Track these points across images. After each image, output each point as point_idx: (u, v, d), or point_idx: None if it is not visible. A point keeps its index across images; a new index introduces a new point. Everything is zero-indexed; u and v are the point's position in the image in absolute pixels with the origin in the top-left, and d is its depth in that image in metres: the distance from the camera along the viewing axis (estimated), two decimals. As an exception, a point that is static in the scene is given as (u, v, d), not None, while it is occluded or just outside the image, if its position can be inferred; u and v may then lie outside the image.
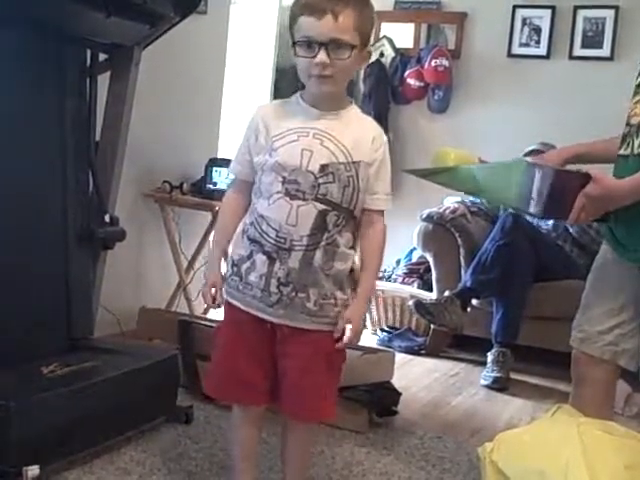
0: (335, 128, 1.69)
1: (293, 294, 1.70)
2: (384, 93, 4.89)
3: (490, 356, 3.63)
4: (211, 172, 3.52)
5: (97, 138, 2.67)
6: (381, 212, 1.77)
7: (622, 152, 1.90)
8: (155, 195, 3.44)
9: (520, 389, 3.53)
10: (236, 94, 4.58)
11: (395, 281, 4.39)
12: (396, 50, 4.91)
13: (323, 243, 1.69)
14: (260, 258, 1.71)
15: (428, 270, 4.12)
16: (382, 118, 4.88)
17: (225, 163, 3.62)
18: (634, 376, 2.98)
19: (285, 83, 5.11)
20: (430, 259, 3.99)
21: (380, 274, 4.50)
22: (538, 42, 4.65)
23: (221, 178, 3.54)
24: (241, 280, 1.75)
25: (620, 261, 1.90)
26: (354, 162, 1.69)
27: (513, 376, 3.62)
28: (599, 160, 2.08)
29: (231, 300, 1.78)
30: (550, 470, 1.52)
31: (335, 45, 1.62)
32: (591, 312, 1.96)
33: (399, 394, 2.86)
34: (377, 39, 4.92)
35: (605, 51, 4.52)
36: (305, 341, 1.74)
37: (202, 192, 3.52)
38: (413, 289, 4.22)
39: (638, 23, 4.47)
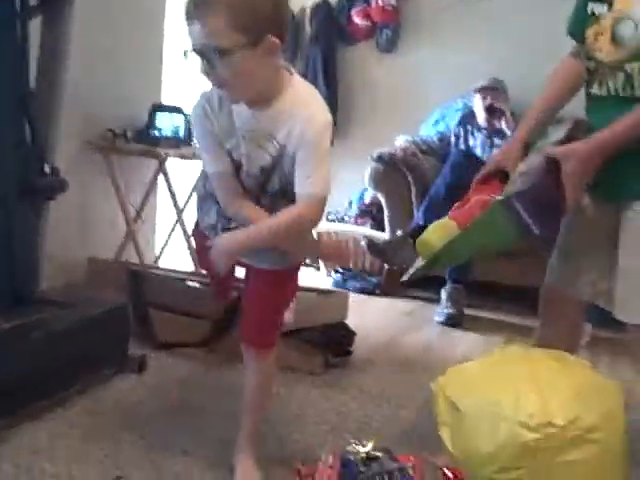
0: (268, 123, 1.60)
1: None
2: (331, 34, 4.81)
3: (444, 293, 3.66)
4: (155, 118, 3.44)
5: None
6: (308, 196, 1.62)
7: (596, 92, 1.82)
8: (98, 143, 3.36)
9: (474, 324, 3.58)
10: (180, 38, 4.46)
11: (348, 222, 4.38)
12: (342, -12, 4.82)
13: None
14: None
15: (380, 210, 4.12)
16: (330, 59, 4.81)
17: (169, 109, 3.55)
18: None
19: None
20: (382, 199, 3.98)
21: (332, 216, 4.49)
22: (485, -23, 4.59)
23: (165, 124, 3.47)
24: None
25: (596, 204, 1.87)
26: (282, 146, 1.62)
27: (467, 312, 3.67)
28: (556, 113, 2.02)
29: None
30: (502, 400, 1.54)
31: (212, 53, 1.48)
32: (569, 255, 1.94)
33: (354, 334, 2.88)
34: (323, -22, 4.82)
35: (553, -15, 4.48)
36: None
37: (146, 139, 3.44)
38: (366, 230, 4.22)
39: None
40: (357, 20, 4.75)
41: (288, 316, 2.69)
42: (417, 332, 3.41)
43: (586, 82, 1.86)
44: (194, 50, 1.49)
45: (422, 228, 3.64)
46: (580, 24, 1.86)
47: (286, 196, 1.66)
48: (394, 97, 4.83)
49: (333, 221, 4.44)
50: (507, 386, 1.56)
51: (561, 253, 1.97)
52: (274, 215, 1.65)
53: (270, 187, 1.67)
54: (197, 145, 1.75)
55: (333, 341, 2.77)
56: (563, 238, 1.96)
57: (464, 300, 3.65)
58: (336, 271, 4.18)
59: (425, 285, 3.99)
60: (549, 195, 1.74)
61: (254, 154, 1.63)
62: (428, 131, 4.43)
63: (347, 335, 2.85)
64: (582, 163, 1.72)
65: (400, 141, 4.15)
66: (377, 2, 4.63)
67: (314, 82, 4.79)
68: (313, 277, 4.17)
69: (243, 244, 1.69)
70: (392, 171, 3.92)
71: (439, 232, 1.87)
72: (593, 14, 1.81)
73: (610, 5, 1.77)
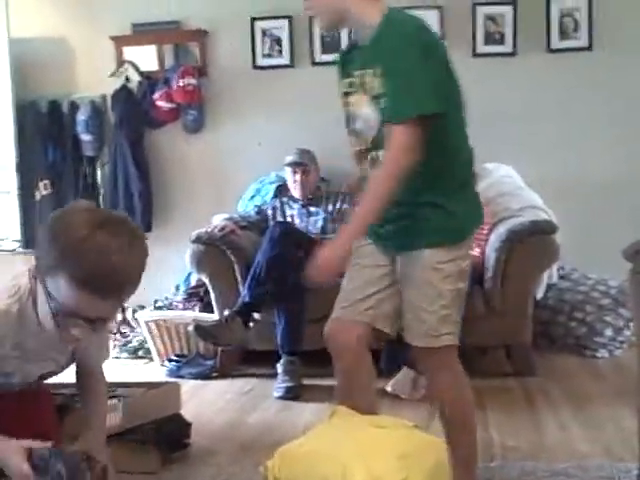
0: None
1: None
2: (136, 119, 4.76)
3: (280, 367, 3.62)
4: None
5: None
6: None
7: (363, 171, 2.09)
8: None
9: (314, 393, 3.54)
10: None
11: (176, 308, 4.26)
12: (141, 73, 4.79)
13: None
14: None
15: (208, 292, 4.04)
16: (137, 145, 4.75)
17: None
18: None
19: (29, 118, 4.84)
20: (206, 280, 3.92)
21: (160, 303, 4.36)
22: (280, 52, 4.73)
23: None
24: None
25: (375, 250, 2.11)
26: None
27: (306, 382, 3.63)
28: None
29: None
30: (329, 475, 1.51)
31: None
32: (352, 285, 2.11)
33: (189, 424, 2.77)
34: (120, 64, 4.78)
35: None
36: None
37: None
38: (195, 313, 4.13)
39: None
40: (160, 103, 4.73)
41: (116, 416, 2.55)
42: (257, 411, 3.33)
43: None
44: None
45: (249, 304, 3.65)
46: None
47: None
48: (208, 176, 4.83)
49: (161, 308, 4.31)
50: (333, 460, 1.54)
51: (345, 288, 2.14)
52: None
53: None
54: None
55: (168, 436, 2.65)
56: (348, 275, 2.14)
57: (301, 371, 3.62)
58: (170, 360, 4.04)
59: (260, 361, 3.93)
60: None
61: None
62: (245, 206, 4.45)
63: (182, 427, 2.74)
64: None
65: (218, 220, 4.13)
66: (178, 84, 4.63)
67: (124, 169, 4.72)
68: (145, 369, 4.01)
69: None
70: (213, 251, 3.87)
71: None
72: None
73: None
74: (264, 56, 4.72)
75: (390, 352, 3.59)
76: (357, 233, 1.98)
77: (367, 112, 1.98)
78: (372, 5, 1.97)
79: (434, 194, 1.98)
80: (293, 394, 3.49)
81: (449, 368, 2.06)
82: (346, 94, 2.05)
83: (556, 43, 4.54)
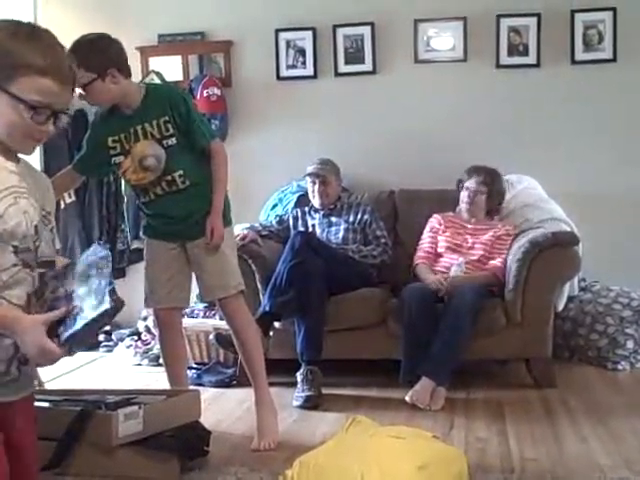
0: (25, 183, 1.53)
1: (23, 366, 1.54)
2: (160, 128, 4.80)
3: (299, 376, 3.62)
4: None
5: None
6: None
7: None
8: None
9: (333, 403, 3.55)
10: None
11: (197, 316, 4.29)
12: (166, 83, 4.84)
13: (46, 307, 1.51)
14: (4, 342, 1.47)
15: (228, 300, 4.06)
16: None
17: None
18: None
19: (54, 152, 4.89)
20: (227, 289, 3.93)
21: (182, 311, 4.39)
22: (304, 63, 4.76)
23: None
24: None
25: (164, 245, 3.01)
26: (48, 213, 1.59)
27: (325, 391, 3.64)
28: None
29: None
30: (348, 485, 1.52)
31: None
32: (158, 282, 3.01)
33: (209, 432, 2.78)
34: (146, 74, 4.83)
35: (368, 65, 4.71)
36: (30, 410, 1.62)
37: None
38: (216, 321, 4.15)
39: (393, 37, 4.71)
40: (185, 113, 4.77)
41: (137, 422, 2.57)
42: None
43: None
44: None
45: (269, 313, 3.66)
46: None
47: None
48: (230, 186, 4.80)
49: (183, 316, 4.33)
50: (351, 470, 1.54)
51: (152, 284, 3.04)
52: None
53: (37, 255, 1.53)
54: None
55: (187, 443, 2.66)
56: (151, 273, 3.04)
57: (320, 380, 3.62)
58: (190, 367, 4.06)
59: (280, 370, 3.94)
60: None
61: (30, 210, 1.50)
62: (267, 216, 4.47)
63: (202, 435, 2.75)
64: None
65: (239, 229, 4.15)
66: (202, 94, 4.68)
67: (148, 178, 4.75)
68: (165, 377, 4.03)
69: None
70: (234, 260, 3.89)
71: None
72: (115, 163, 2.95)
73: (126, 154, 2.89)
74: (288, 67, 4.76)
75: (408, 363, 3.59)
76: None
77: (157, 150, 2.83)
78: (132, 83, 2.93)
79: None
80: (312, 403, 3.50)
81: None
82: (122, 147, 2.88)
83: (580, 55, 4.54)
